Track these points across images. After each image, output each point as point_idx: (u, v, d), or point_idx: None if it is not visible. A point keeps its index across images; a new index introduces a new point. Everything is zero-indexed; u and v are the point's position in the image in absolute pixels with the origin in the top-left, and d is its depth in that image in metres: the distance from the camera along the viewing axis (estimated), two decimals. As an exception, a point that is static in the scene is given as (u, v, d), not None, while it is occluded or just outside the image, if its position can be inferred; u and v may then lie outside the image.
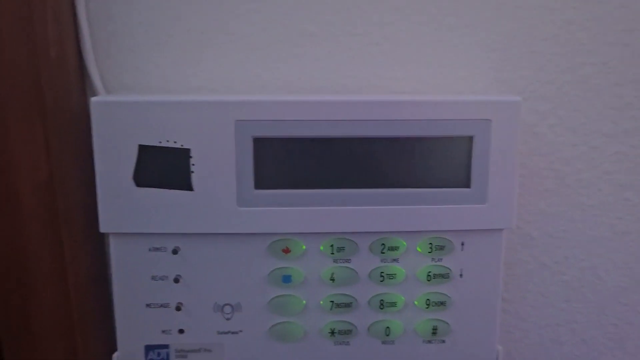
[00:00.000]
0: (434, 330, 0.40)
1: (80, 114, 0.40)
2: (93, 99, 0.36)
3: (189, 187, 0.37)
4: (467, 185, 0.38)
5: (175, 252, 0.38)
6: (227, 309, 0.39)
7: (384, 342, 0.41)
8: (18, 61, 0.36)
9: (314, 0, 0.39)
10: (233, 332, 0.40)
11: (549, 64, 0.41)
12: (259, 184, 0.37)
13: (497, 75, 0.41)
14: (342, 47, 0.40)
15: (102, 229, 0.37)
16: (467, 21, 0.40)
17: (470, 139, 0.37)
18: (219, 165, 0.37)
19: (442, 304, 0.40)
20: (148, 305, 0.39)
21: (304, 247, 0.39)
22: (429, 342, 0.41)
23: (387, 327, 0.40)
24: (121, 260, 0.38)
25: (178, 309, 0.39)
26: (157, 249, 0.38)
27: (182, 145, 0.36)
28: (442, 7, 0.40)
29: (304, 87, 0.40)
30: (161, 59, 0.40)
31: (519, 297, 0.45)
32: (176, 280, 0.39)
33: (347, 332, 0.40)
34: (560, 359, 0.46)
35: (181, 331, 0.40)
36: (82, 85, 0.40)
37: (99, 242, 0.42)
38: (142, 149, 0.36)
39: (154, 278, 0.39)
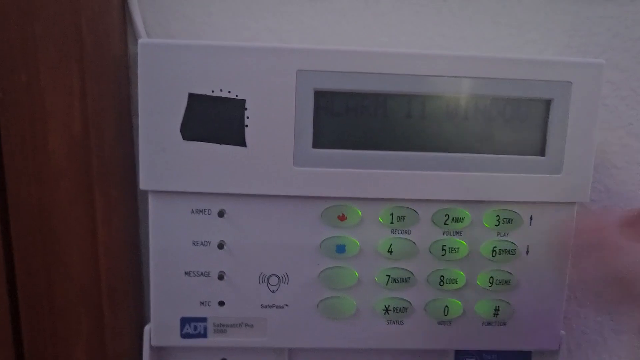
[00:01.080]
0: (496, 312, 0.37)
1: (121, 61, 0.36)
2: (141, 41, 0.33)
3: (241, 142, 0.33)
4: (541, 153, 0.35)
5: (221, 214, 0.35)
6: (273, 280, 0.36)
7: (440, 323, 0.37)
8: (56, -3, 0.32)
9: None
10: (278, 306, 0.36)
11: (626, 31, 0.38)
12: (318, 142, 0.34)
13: (570, 40, 0.38)
14: (407, 1, 0.37)
15: (143, 185, 0.34)
16: (541, -20, 0.37)
17: (548, 102, 0.34)
18: (276, 120, 0.33)
19: (507, 282, 0.37)
20: (187, 274, 0.36)
21: (360, 213, 0.35)
22: (489, 324, 0.38)
23: (446, 306, 0.37)
24: (161, 222, 0.35)
25: (220, 277, 0.36)
26: (201, 211, 0.35)
27: (236, 96, 0.33)
28: (516, -37, 0.37)
29: (364, 42, 0.37)
30: (210, 7, 0.37)
31: (580, 281, 0.42)
32: (220, 246, 0.35)
33: (403, 310, 0.37)
34: (619, 349, 0.43)
35: (221, 303, 0.36)
36: (124, 30, 0.37)
37: (133, 204, 0.39)
38: (192, 98, 0.33)
39: (195, 243, 0.35)
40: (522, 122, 0.35)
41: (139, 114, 0.33)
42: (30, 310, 0.37)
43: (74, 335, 0.37)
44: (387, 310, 0.37)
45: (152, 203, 0.34)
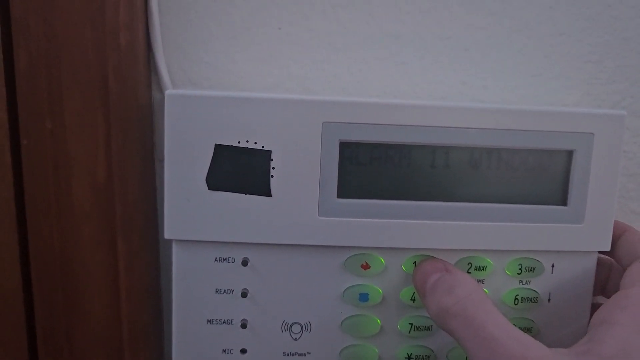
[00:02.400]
0: (518, 359, 0.37)
1: (145, 108, 0.36)
2: (168, 92, 0.33)
3: (267, 192, 0.33)
4: (563, 202, 0.35)
5: (244, 263, 0.35)
6: (296, 328, 0.36)
7: (462, 371, 0.37)
8: (84, 45, 0.33)
9: (401, -1, 0.36)
10: (300, 354, 0.36)
11: (644, 79, 0.38)
12: (342, 192, 0.34)
13: (590, 88, 0.38)
14: (429, 51, 0.37)
15: (167, 235, 0.34)
16: (561, 29, 0.37)
17: (570, 153, 0.35)
18: (302, 170, 0.33)
19: (529, 330, 0.37)
20: (209, 321, 0.36)
21: (383, 261, 0.35)
22: (511, 371, 0.37)
23: (468, 354, 0.37)
24: (184, 270, 0.35)
25: (243, 326, 0.35)
26: (224, 260, 0.35)
27: (262, 147, 0.33)
28: (536, 13, 0.37)
29: (386, 92, 0.38)
30: (235, 54, 0.37)
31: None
32: (244, 295, 0.35)
33: (425, 358, 0.37)
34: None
35: (244, 351, 0.36)
36: (149, 78, 0.37)
37: (156, 251, 0.39)
38: (219, 148, 0.33)
39: (218, 291, 0.35)
40: (545, 172, 0.35)
41: (165, 164, 0.33)
42: (50, 356, 0.36)
43: (94, 381, 0.37)
44: (409, 358, 0.37)
45: (176, 252, 0.34)
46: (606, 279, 0.37)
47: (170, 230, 0.34)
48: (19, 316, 0.36)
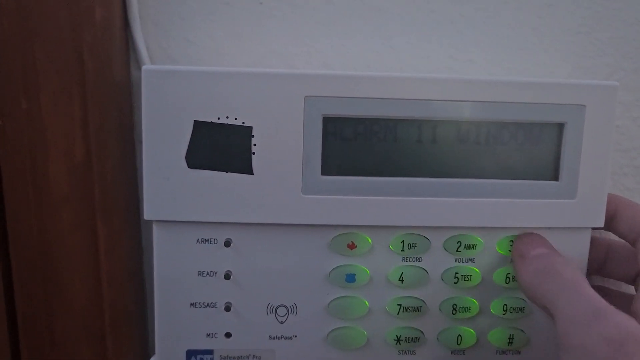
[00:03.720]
0: (510, 340, 0.36)
1: (123, 87, 0.35)
2: (145, 67, 0.32)
3: (248, 170, 0.32)
4: (555, 177, 0.34)
5: (227, 244, 0.34)
6: (282, 311, 0.35)
7: (453, 352, 0.36)
8: (58, 20, 0.31)
9: (385, -28, 0.35)
10: (286, 337, 0.35)
11: (636, 51, 0.37)
12: (326, 169, 0.33)
13: (579, 61, 0.37)
14: (415, 25, 0.36)
15: (147, 215, 0.33)
16: (550, 1, 0.36)
17: (561, 125, 0.34)
18: (284, 147, 0.32)
19: (521, 310, 0.36)
20: (193, 305, 0.35)
21: (370, 240, 0.34)
22: (503, 352, 0.37)
23: (459, 335, 0.36)
24: (165, 252, 0.34)
25: (227, 309, 0.34)
26: (206, 241, 0.34)
27: (243, 123, 0.32)
28: (525, -16, 0.36)
29: (370, 67, 0.37)
30: (215, 31, 0.36)
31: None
32: (227, 277, 0.34)
33: (415, 340, 0.36)
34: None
35: (228, 335, 0.35)
36: (126, 55, 0.36)
37: (136, 233, 0.37)
38: (198, 125, 0.32)
39: (201, 274, 0.34)
40: (535, 146, 0.34)
41: (143, 142, 0.32)
42: (31, 343, 0.36)
43: (77, 368, 0.36)
44: (398, 340, 0.36)
45: (157, 233, 0.33)
46: (604, 259, 0.36)
47: (149, 210, 0.33)
48: (-2, 303, 0.35)
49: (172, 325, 0.35)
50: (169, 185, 0.33)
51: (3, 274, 0.35)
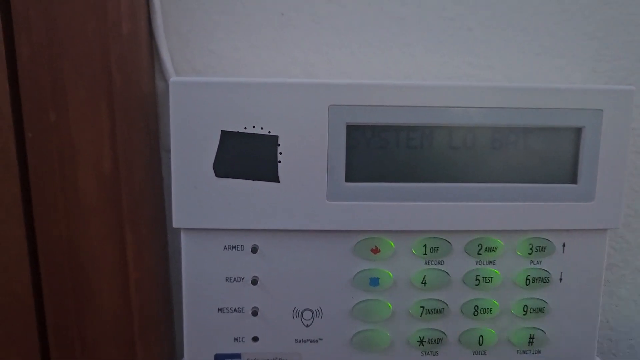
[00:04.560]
0: (531, 340, 0.37)
1: (149, 98, 0.36)
2: (172, 79, 0.32)
3: (274, 178, 0.33)
4: (573, 180, 0.35)
5: (254, 250, 0.35)
6: (307, 315, 0.36)
7: (475, 353, 0.37)
8: (86, 35, 0.32)
9: (403, -19, 0.36)
10: (312, 340, 0.36)
11: (651, 55, 0.38)
12: (350, 176, 0.34)
13: (596, 65, 0.38)
14: (433, 32, 0.37)
15: (176, 223, 0.34)
16: (565, 6, 0.37)
17: (579, 130, 0.34)
18: (309, 155, 0.33)
19: (540, 310, 0.37)
20: (220, 310, 0.35)
21: (393, 245, 0.35)
22: (524, 352, 0.37)
23: (481, 336, 0.37)
24: (193, 259, 0.35)
25: (254, 314, 0.35)
26: (233, 247, 0.35)
27: (269, 132, 0.33)
28: (541, -9, 0.37)
29: (390, 74, 0.37)
30: (237, 42, 0.37)
31: (610, 304, 0.42)
32: (254, 282, 0.35)
33: (437, 341, 0.37)
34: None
35: (255, 339, 0.36)
36: (152, 67, 0.36)
37: (164, 241, 0.38)
38: (225, 135, 0.33)
39: (228, 279, 0.35)
40: (554, 150, 0.35)
41: (172, 152, 0.32)
42: (62, 351, 0.36)
43: (106, 373, 0.37)
44: (421, 341, 0.36)
45: (185, 240, 0.34)
46: None
47: (178, 218, 0.34)
48: (29, 311, 0.36)
49: (200, 330, 0.35)
50: (197, 194, 0.33)
51: (33, 283, 0.36)
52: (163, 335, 0.39)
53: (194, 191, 0.33)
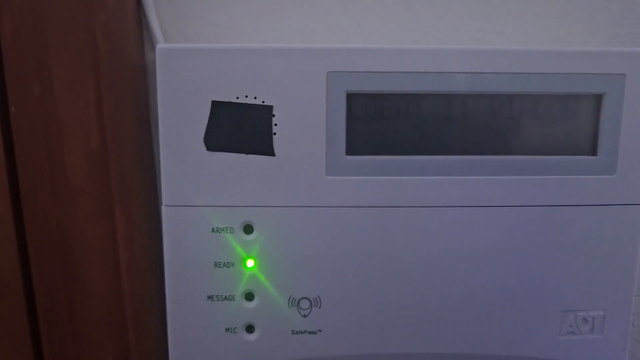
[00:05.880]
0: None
1: (138, 69, 0.34)
2: (159, 46, 0.30)
3: (270, 151, 0.31)
4: (593, 152, 0.32)
5: (247, 231, 0.32)
6: (304, 304, 0.33)
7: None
8: (69, 3, 0.30)
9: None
10: (310, 332, 0.34)
11: (677, 17, 0.35)
12: (351, 149, 0.32)
13: (618, 29, 0.35)
14: (441, -5, 0.34)
15: (166, 201, 0.32)
16: (584, -34, 0.34)
17: (599, 97, 0.32)
18: (307, 126, 0.31)
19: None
20: (210, 298, 0.33)
21: (399, 223, 0.33)
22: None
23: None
24: (178, 240, 0.32)
25: (248, 301, 0.33)
26: (223, 229, 0.32)
27: (263, 102, 0.31)
28: (557, -51, 0.34)
29: (396, 41, 0.35)
30: (232, 9, 0.34)
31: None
32: (246, 267, 0.33)
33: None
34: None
35: (249, 329, 0.34)
36: (140, 36, 0.34)
37: (156, 220, 0.36)
38: (216, 105, 0.31)
39: (217, 265, 0.33)
40: (572, 119, 0.32)
41: (160, 125, 0.30)
42: (52, 335, 0.35)
43: (99, 359, 0.35)
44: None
45: (167, 219, 0.32)
46: None
47: (168, 196, 0.32)
48: (17, 294, 0.34)
49: (187, 320, 0.34)
50: (187, 170, 0.31)
51: (21, 265, 0.34)
52: (157, 319, 0.37)
53: (185, 167, 0.31)
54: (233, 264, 0.33)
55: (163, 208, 0.32)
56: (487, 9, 0.35)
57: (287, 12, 0.34)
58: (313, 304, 0.33)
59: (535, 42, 0.35)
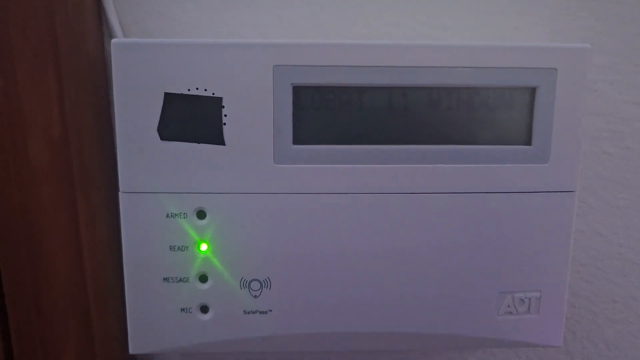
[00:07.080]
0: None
1: (97, 61, 0.36)
2: (114, 41, 0.32)
3: (220, 141, 0.33)
4: (527, 142, 0.34)
5: (200, 216, 0.34)
6: (255, 285, 0.35)
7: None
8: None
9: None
10: (261, 312, 0.36)
11: (611, 14, 0.37)
12: (298, 138, 0.33)
13: (554, 25, 0.37)
14: (387, -8, 0.36)
15: (123, 188, 0.33)
16: (523, -36, 0.36)
17: (533, 90, 0.33)
18: (255, 117, 0.33)
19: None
20: (165, 279, 0.35)
21: (345, 210, 0.34)
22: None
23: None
24: (135, 225, 0.34)
25: (201, 283, 0.35)
26: (178, 214, 0.34)
27: (213, 94, 0.32)
28: (497, -53, 0.36)
29: (344, 35, 0.36)
30: (187, 3, 0.36)
31: (572, 269, 0.41)
32: (200, 250, 0.35)
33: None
34: (614, 337, 0.42)
35: (204, 309, 0.36)
36: (100, 30, 0.36)
37: (116, 206, 0.38)
38: (168, 97, 0.32)
39: (172, 248, 0.35)
40: (507, 111, 0.34)
41: (116, 115, 0.32)
42: (19, 316, 0.36)
43: (63, 339, 0.37)
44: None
45: (125, 205, 0.34)
46: None
47: (125, 183, 0.33)
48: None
49: (145, 301, 0.35)
50: (142, 158, 0.33)
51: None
52: (119, 301, 0.39)
53: (140, 155, 0.33)
54: (187, 248, 0.34)
55: (120, 195, 0.34)
56: (429, 6, 0.36)
57: (241, 7, 0.36)
58: (263, 285, 0.35)
59: (475, 37, 0.37)
